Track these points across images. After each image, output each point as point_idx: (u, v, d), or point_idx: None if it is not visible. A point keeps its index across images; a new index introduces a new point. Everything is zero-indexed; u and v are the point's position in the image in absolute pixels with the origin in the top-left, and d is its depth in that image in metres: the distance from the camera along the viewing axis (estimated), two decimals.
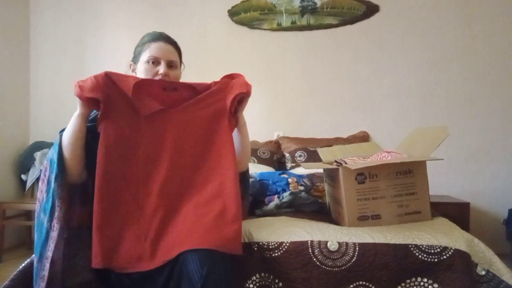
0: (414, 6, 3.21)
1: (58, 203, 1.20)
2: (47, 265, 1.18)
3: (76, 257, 1.24)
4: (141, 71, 1.42)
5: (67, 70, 3.56)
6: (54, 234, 1.19)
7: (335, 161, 1.71)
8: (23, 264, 1.38)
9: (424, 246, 1.27)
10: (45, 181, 1.28)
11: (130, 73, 1.49)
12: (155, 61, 1.41)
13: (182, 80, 1.47)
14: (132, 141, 1.26)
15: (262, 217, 1.60)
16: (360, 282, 1.26)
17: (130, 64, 1.49)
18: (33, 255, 1.40)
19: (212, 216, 1.21)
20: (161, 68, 1.40)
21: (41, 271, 1.20)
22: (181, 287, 1.14)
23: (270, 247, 1.31)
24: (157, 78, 1.39)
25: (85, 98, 1.21)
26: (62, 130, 1.29)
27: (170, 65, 1.44)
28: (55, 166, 1.23)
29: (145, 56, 1.42)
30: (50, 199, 1.22)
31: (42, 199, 1.28)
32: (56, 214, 1.20)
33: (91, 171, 1.26)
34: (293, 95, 3.34)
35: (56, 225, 1.20)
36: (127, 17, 3.51)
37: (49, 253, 1.18)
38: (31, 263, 1.36)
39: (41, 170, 1.35)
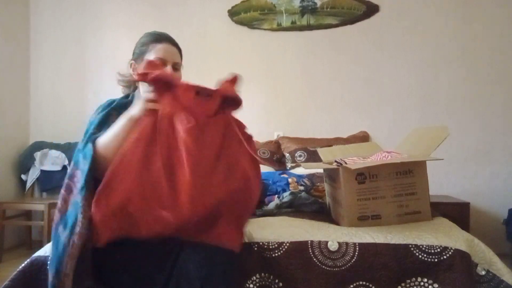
0: (414, 6, 3.20)
1: (80, 217, 1.13)
2: (68, 283, 1.11)
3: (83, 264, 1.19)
4: None
5: (67, 70, 3.55)
6: (73, 251, 1.12)
7: (335, 161, 1.72)
8: (23, 264, 1.38)
9: (424, 246, 1.27)
10: (74, 191, 1.21)
11: (130, 72, 1.48)
12: (161, 63, 1.39)
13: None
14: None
15: (262, 217, 1.60)
16: (360, 282, 1.26)
17: (131, 63, 1.46)
18: (33, 255, 1.40)
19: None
20: (168, 70, 1.38)
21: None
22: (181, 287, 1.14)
23: (270, 247, 1.31)
24: None
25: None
26: (90, 136, 1.24)
27: (175, 67, 1.43)
28: (83, 177, 1.18)
29: (150, 56, 1.40)
30: (73, 212, 1.16)
31: (65, 210, 1.20)
32: (78, 229, 1.13)
33: None
34: (293, 95, 3.34)
35: (77, 242, 1.12)
36: (127, 17, 3.51)
37: (68, 271, 1.12)
38: (31, 263, 1.36)
39: (65, 178, 1.25)
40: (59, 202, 1.23)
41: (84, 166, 1.20)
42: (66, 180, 1.25)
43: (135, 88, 1.49)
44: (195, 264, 1.11)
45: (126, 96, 1.46)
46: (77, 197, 1.17)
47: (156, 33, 1.48)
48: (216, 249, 1.15)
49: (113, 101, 1.41)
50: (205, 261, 1.11)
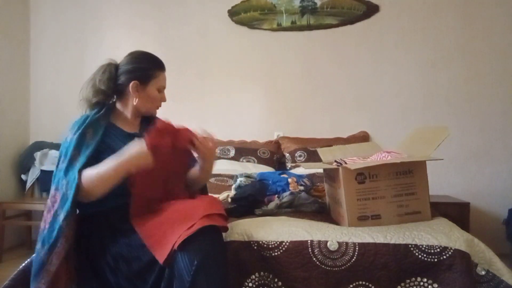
0: (414, 6, 3.20)
1: (62, 241, 1.23)
2: None
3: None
4: (149, 97, 1.50)
5: (67, 70, 3.55)
6: (51, 268, 1.22)
7: (335, 161, 1.72)
8: (23, 264, 1.39)
9: (424, 246, 1.27)
10: (52, 212, 1.29)
11: (130, 90, 1.49)
12: (162, 90, 1.54)
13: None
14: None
15: (262, 217, 1.60)
16: (360, 282, 1.26)
17: (135, 83, 1.47)
18: (33, 256, 1.40)
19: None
20: (165, 96, 1.55)
21: None
22: (173, 287, 1.17)
23: (270, 246, 1.31)
24: (159, 104, 1.55)
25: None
26: (71, 159, 1.33)
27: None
28: (68, 204, 1.25)
29: (157, 84, 1.50)
30: (55, 234, 1.24)
31: (44, 229, 1.29)
32: (57, 249, 1.23)
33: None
34: (293, 95, 3.34)
35: (54, 261, 1.22)
36: (127, 17, 3.51)
37: (43, 286, 1.22)
38: (31, 262, 1.37)
39: (49, 198, 1.34)
40: (42, 222, 1.32)
41: (68, 192, 1.27)
42: (48, 202, 1.32)
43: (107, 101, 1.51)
44: (185, 262, 1.14)
45: (99, 110, 1.46)
46: (59, 220, 1.25)
47: (158, 60, 1.54)
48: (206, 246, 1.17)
49: (87, 116, 1.44)
50: (195, 256, 1.14)
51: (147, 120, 1.55)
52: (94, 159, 1.33)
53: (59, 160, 1.39)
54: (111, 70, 1.49)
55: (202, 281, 1.12)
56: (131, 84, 1.46)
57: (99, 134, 1.39)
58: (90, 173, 1.28)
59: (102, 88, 1.45)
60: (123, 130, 1.48)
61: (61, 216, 1.24)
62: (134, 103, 1.48)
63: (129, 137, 1.44)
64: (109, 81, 1.46)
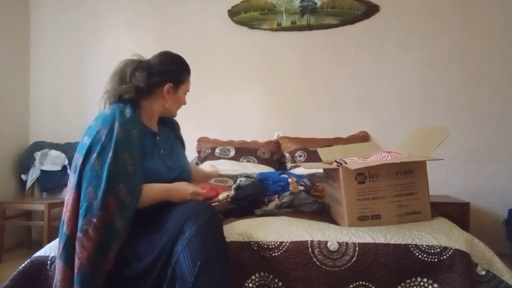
0: (414, 6, 3.20)
1: (117, 244, 1.26)
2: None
3: None
4: (177, 100, 1.56)
5: (67, 70, 3.55)
6: (106, 266, 1.24)
7: (335, 161, 1.72)
8: (23, 264, 1.39)
9: (424, 246, 1.27)
10: (109, 217, 1.26)
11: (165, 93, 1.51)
12: (186, 94, 1.61)
13: None
14: None
15: (262, 217, 1.59)
16: (360, 282, 1.26)
17: (170, 87, 1.50)
18: (33, 255, 1.40)
19: None
20: (186, 99, 1.61)
21: None
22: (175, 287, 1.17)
23: (270, 246, 1.31)
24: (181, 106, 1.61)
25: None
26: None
27: None
28: (130, 211, 1.27)
29: (185, 88, 1.59)
30: (109, 242, 1.25)
31: (103, 236, 1.24)
32: (113, 248, 1.25)
33: None
34: (293, 95, 3.34)
35: (110, 259, 1.24)
36: (127, 16, 3.50)
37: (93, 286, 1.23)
38: (31, 263, 1.37)
39: (97, 204, 1.27)
40: (95, 220, 1.23)
41: (127, 199, 1.27)
42: (98, 204, 1.24)
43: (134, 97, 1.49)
44: (187, 263, 1.14)
45: (132, 108, 1.42)
46: (116, 226, 1.25)
47: (187, 63, 1.61)
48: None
49: (120, 111, 1.38)
50: (197, 257, 1.14)
51: (160, 119, 1.59)
52: None
53: (89, 152, 1.30)
54: (145, 67, 1.48)
55: (205, 282, 1.12)
56: (165, 87, 1.49)
57: (139, 135, 1.38)
58: (148, 193, 1.34)
59: (140, 85, 1.43)
60: (150, 128, 1.51)
61: (120, 222, 1.25)
62: (166, 105, 1.52)
63: (154, 136, 1.50)
64: (146, 79, 1.45)
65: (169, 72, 1.51)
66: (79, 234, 1.22)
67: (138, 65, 1.47)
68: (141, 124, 1.44)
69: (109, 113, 1.37)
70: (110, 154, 1.27)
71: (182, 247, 1.16)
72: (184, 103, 1.59)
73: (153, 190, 1.34)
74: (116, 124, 1.32)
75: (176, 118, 1.68)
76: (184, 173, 1.54)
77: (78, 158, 1.31)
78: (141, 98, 1.47)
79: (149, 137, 1.47)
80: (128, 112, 1.38)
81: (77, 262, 1.20)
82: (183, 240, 1.17)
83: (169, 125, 1.65)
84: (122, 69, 1.47)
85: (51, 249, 1.42)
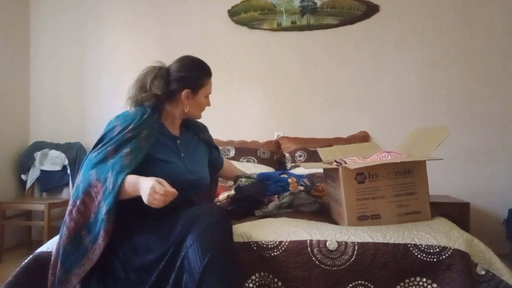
0: (414, 6, 3.20)
1: (102, 233, 1.24)
2: (74, 282, 1.24)
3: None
4: (198, 104, 1.59)
5: (67, 70, 3.56)
6: (92, 256, 1.25)
7: (335, 161, 1.72)
8: (25, 261, 1.40)
9: (424, 246, 1.27)
10: (95, 203, 1.29)
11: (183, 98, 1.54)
12: (208, 96, 1.63)
13: None
14: None
15: (262, 218, 1.59)
16: (359, 282, 1.26)
17: (188, 92, 1.53)
18: (36, 251, 1.42)
19: None
20: (209, 101, 1.65)
21: (66, 284, 1.25)
22: (182, 280, 1.19)
23: (269, 246, 1.31)
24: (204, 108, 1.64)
25: None
26: (121, 172, 1.30)
27: None
28: (110, 200, 1.26)
29: (206, 91, 1.60)
30: (97, 224, 1.26)
31: (89, 218, 1.29)
32: (100, 241, 1.25)
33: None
34: (293, 95, 3.34)
35: (97, 251, 1.24)
36: (127, 16, 3.50)
37: (81, 273, 1.24)
38: (34, 259, 1.39)
39: (83, 186, 1.33)
40: (78, 202, 1.30)
41: (111, 191, 1.27)
42: (85, 186, 1.31)
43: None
44: (196, 254, 1.17)
45: (153, 111, 1.49)
46: (102, 212, 1.26)
47: (207, 66, 1.62)
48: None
49: (143, 113, 1.46)
50: (207, 250, 1.17)
51: (184, 123, 1.64)
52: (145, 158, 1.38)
53: (99, 144, 1.40)
54: (164, 75, 1.52)
55: (213, 274, 1.15)
56: (183, 93, 1.53)
57: (153, 138, 1.43)
58: (130, 178, 1.31)
59: (158, 93, 1.49)
60: (170, 132, 1.55)
61: (104, 209, 1.26)
62: (186, 110, 1.55)
63: (174, 139, 1.54)
64: (165, 86, 1.50)
65: (186, 78, 1.54)
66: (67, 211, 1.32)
67: (157, 73, 1.52)
68: (160, 127, 1.50)
69: (131, 114, 1.46)
70: (110, 148, 1.35)
71: (193, 240, 1.20)
72: (207, 105, 1.63)
73: (130, 178, 1.32)
74: (131, 126, 1.40)
75: None
76: (203, 179, 1.58)
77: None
78: (166, 102, 1.54)
79: (169, 141, 1.52)
80: (147, 115, 1.46)
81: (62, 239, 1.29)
82: (193, 234, 1.21)
83: (192, 129, 1.69)
84: (143, 77, 1.53)
85: (54, 244, 1.42)
